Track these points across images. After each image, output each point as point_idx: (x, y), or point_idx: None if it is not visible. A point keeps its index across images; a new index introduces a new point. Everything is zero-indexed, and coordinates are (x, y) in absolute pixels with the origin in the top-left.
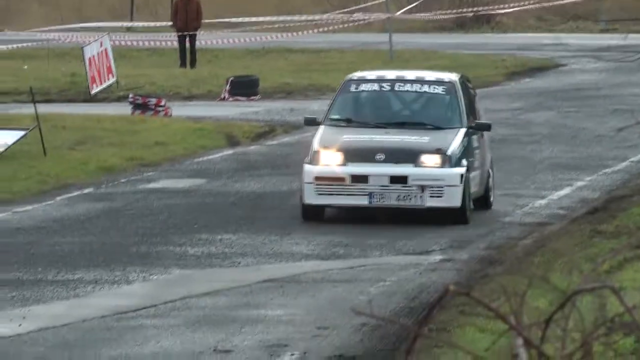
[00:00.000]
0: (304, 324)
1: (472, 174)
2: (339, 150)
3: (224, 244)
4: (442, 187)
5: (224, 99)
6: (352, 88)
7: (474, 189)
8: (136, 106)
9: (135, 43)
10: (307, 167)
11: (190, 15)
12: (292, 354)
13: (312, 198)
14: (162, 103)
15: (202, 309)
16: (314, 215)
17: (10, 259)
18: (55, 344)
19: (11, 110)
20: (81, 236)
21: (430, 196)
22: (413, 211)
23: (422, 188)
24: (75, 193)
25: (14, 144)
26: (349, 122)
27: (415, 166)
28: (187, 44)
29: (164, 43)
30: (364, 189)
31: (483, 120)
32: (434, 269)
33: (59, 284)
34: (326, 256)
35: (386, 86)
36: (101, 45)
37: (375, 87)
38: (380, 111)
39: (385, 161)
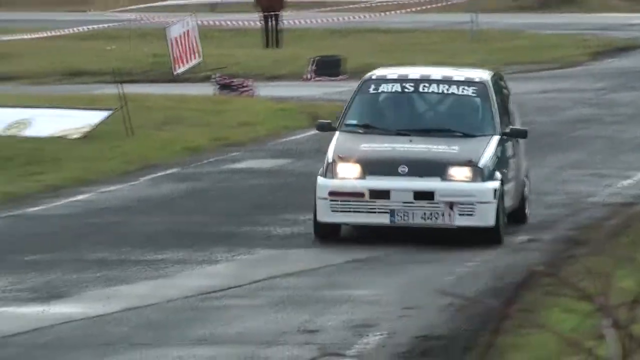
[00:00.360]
0: (390, 304)
1: (507, 187)
2: (357, 161)
3: (308, 225)
4: (473, 204)
5: (308, 79)
6: (371, 89)
7: (508, 202)
8: (221, 87)
9: (218, 23)
10: (321, 181)
11: None
12: (378, 335)
13: (326, 215)
14: (247, 83)
15: (286, 290)
16: (328, 234)
17: (95, 239)
18: (140, 324)
19: (95, 90)
20: (166, 216)
21: (460, 214)
22: (441, 230)
23: (451, 205)
24: (160, 173)
25: (99, 124)
26: (367, 129)
27: (443, 180)
28: (272, 24)
29: (248, 23)
30: (385, 205)
31: (518, 124)
32: (519, 250)
33: (144, 264)
34: (411, 237)
35: (409, 87)
36: (186, 26)
37: (397, 87)
38: (403, 116)
39: (409, 174)
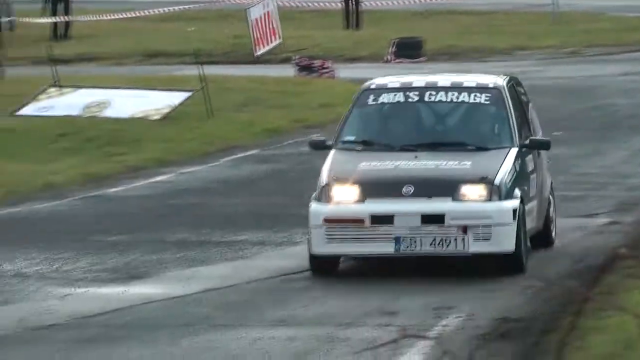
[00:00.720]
0: (469, 286)
1: (529, 206)
2: (355, 182)
3: None
4: (489, 227)
5: (388, 60)
6: (370, 100)
7: (530, 224)
8: (301, 68)
9: (298, 4)
10: (315, 206)
11: None
12: (457, 316)
13: (321, 246)
14: (327, 65)
15: (366, 271)
16: (325, 268)
17: (175, 221)
18: (219, 305)
19: (176, 72)
20: (246, 198)
21: (475, 239)
22: (453, 257)
23: (464, 229)
24: (240, 155)
25: (179, 105)
26: (366, 145)
27: (454, 200)
28: (352, 6)
29: (328, 4)
30: (388, 232)
31: (539, 134)
32: (600, 232)
33: (224, 246)
34: None
35: (414, 96)
36: (266, 7)
37: (400, 97)
38: (407, 129)
39: (415, 195)
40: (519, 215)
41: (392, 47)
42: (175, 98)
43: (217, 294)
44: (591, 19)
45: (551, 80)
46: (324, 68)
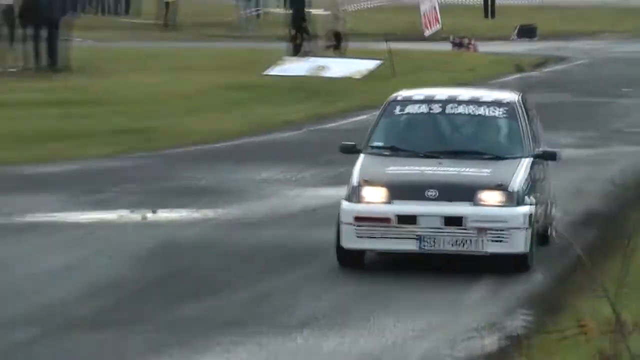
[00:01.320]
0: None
1: (539, 211)
2: (383, 185)
3: None
4: (504, 230)
5: (513, 39)
6: (397, 110)
7: (537, 226)
8: (454, 44)
9: (454, 1)
10: (346, 205)
11: None
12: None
13: (351, 242)
14: (472, 42)
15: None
16: (352, 261)
17: None
18: None
19: (370, 46)
20: None
21: (492, 240)
22: (471, 257)
23: (482, 231)
24: None
25: (373, 69)
26: (393, 151)
27: (474, 205)
28: (489, 1)
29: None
30: (412, 231)
31: (542, 145)
32: None
33: None
34: None
35: (436, 108)
36: (431, 2)
37: (424, 108)
38: (431, 138)
39: (438, 199)
40: (532, 220)
41: (515, 30)
42: (371, 65)
43: None
44: None
45: (621, 53)
46: (470, 44)
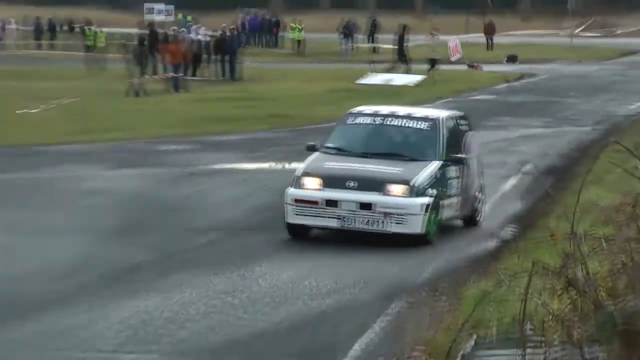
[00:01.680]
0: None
1: (448, 201)
2: (318, 176)
3: None
4: (404, 215)
5: (503, 63)
6: (350, 120)
7: (451, 213)
8: (469, 66)
9: (469, 40)
10: (290, 190)
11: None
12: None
13: (291, 218)
14: (479, 65)
15: None
16: (298, 233)
17: None
18: None
19: (422, 66)
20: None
21: (395, 223)
22: (379, 235)
23: (387, 215)
24: (443, 100)
25: (421, 80)
26: (339, 151)
27: (382, 195)
28: (490, 41)
29: (480, 39)
30: (335, 212)
31: (471, 154)
32: None
33: None
34: None
35: (378, 120)
36: (455, 40)
37: (369, 120)
38: (367, 142)
39: (356, 189)
40: (430, 208)
41: (505, 58)
42: (419, 78)
43: None
44: None
45: (569, 72)
46: (478, 66)
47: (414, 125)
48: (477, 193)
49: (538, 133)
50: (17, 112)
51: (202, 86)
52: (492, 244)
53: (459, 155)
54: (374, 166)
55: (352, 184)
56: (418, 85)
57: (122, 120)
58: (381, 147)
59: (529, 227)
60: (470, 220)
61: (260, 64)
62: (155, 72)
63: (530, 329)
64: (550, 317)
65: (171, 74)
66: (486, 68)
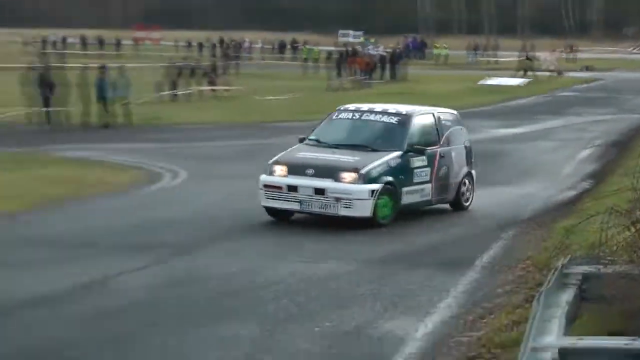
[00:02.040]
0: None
1: (413, 188)
2: (285, 164)
3: None
4: (351, 200)
5: (581, 70)
6: (334, 116)
7: (419, 198)
8: (558, 73)
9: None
10: (262, 177)
11: None
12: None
13: (264, 201)
14: (562, 72)
15: None
16: (274, 215)
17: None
18: None
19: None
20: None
21: (343, 207)
22: (333, 217)
23: (337, 199)
24: (538, 95)
25: (527, 81)
26: (317, 142)
27: (335, 181)
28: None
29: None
30: (295, 196)
31: (450, 146)
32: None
33: None
34: None
35: (357, 115)
36: (553, 55)
37: (349, 115)
38: (342, 135)
39: (313, 175)
40: (377, 194)
41: (581, 67)
42: (524, 80)
43: None
44: None
45: (628, 76)
46: (562, 73)
47: (385, 120)
48: (463, 180)
49: (605, 119)
50: (256, 98)
51: (377, 85)
52: (574, 193)
53: (420, 147)
54: (335, 156)
55: (310, 172)
56: (523, 85)
57: (325, 107)
58: (352, 139)
59: (600, 182)
60: (457, 205)
61: (418, 70)
62: (348, 76)
63: (605, 251)
64: (620, 244)
65: (359, 77)
66: (568, 74)
